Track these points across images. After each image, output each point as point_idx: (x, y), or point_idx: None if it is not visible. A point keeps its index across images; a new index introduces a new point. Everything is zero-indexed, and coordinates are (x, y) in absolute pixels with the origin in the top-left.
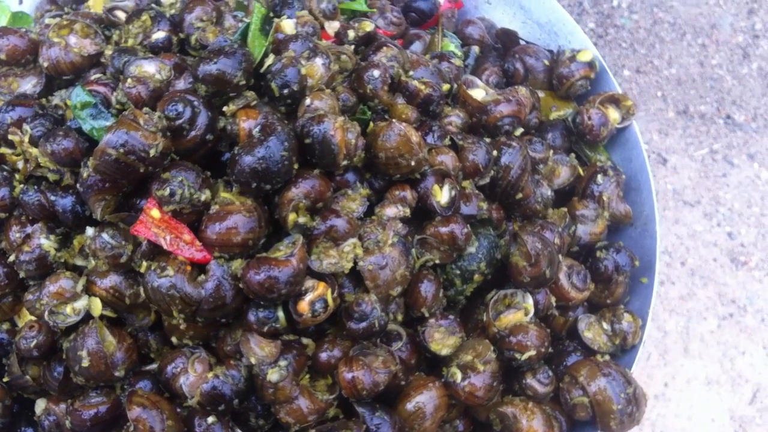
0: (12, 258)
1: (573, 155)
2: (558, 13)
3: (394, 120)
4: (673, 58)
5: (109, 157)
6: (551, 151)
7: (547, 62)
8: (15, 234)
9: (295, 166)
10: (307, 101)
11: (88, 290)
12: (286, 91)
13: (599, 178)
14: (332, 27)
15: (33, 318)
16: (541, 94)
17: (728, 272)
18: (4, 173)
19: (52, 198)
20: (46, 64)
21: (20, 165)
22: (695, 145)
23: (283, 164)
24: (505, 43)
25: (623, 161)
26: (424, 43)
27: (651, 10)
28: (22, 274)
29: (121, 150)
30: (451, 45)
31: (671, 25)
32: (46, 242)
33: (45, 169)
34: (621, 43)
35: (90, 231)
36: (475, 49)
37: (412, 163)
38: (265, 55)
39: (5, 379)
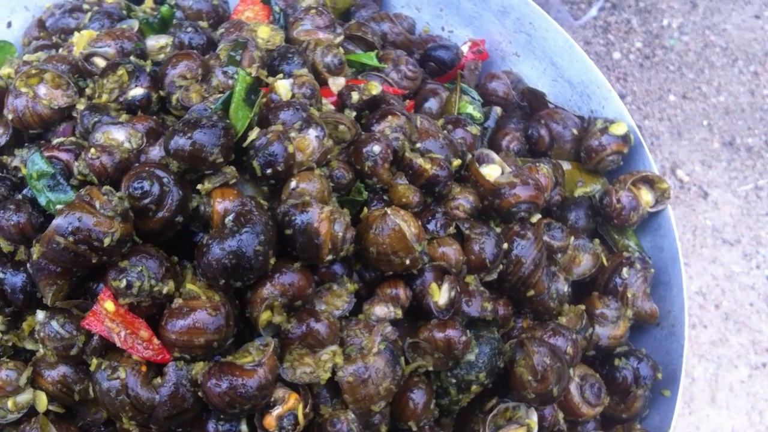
0: None
1: (597, 241)
2: (593, 74)
3: (389, 211)
4: (722, 85)
5: (57, 246)
6: (572, 238)
7: (575, 131)
8: None
9: (272, 261)
10: (293, 183)
11: (34, 382)
12: (269, 170)
13: (625, 271)
14: (337, 84)
15: None
16: (566, 165)
17: (765, 319)
18: None
19: (1, 275)
20: (11, 116)
21: None
22: (739, 179)
23: (257, 260)
24: (531, 103)
25: (653, 249)
26: (440, 101)
27: (702, 32)
28: None
29: (71, 239)
30: (470, 107)
31: (723, 50)
32: None
33: None
34: (668, 65)
35: (40, 316)
36: (497, 110)
37: (407, 262)
38: (249, 128)
39: None
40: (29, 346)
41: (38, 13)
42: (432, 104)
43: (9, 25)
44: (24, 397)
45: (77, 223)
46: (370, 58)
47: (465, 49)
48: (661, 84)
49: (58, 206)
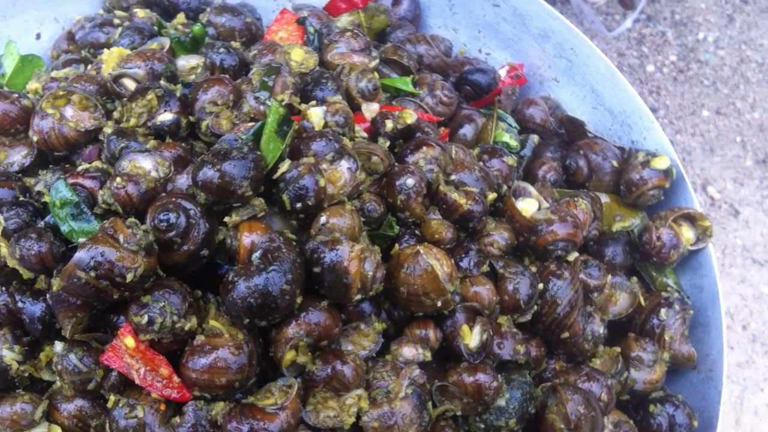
0: None
1: (635, 279)
2: (635, 103)
3: (421, 250)
4: (757, 102)
5: (78, 281)
6: (609, 276)
7: (615, 163)
8: None
9: (298, 300)
10: (323, 218)
11: (50, 415)
12: (299, 204)
13: (663, 312)
14: (370, 110)
15: None
16: (604, 198)
17: None
18: None
19: (20, 304)
20: (36, 138)
21: None
22: None
23: (283, 299)
24: (569, 131)
25: (692, 289)
26: (476, 128)
27: (739, 46)
28: None
29: (92, 274)
30: (506, 135)
31: (759, 66)
32: (8, 354)
33: None
34: (703, 80)
35: (58, 347)
36: (534, 139)
37: (438, 304)
38: (280, 160)
39: None
40: (46, 376)
41: (68, 25)
42: (467, 131)
43: (38, 36)
44: (38, 431)
45: (99, 258)
46: (406, 84)
47: (503, 73)
48: (694, 98)
49: (81, 239)
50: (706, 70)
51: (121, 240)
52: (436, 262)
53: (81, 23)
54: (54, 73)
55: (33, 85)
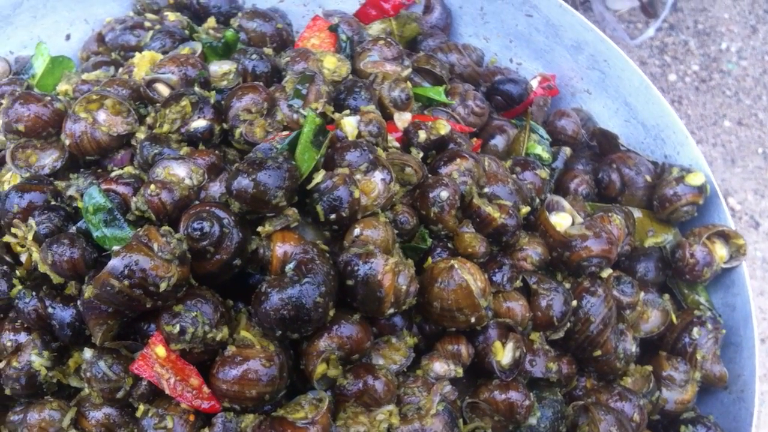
0: (0, 365)
1: (667, 296)
2: (669, 117)
3: (455, 263)
4: None
5: (112, 289)
6: (642, 294)
7: (649, 178)
8: (6, 340)
9: (331, 313)
10: (357, 230)
11: (77, 423)
12: (333, 216)
13: (695, 331)
14: (403, 119)
15: None
16: (636, 213)
17: None
18: (4, 267)
19: (50, 310)
20: (68, 141)
21: (24, 258)
22: None
23: (316, 312)
24: (601, 144)
25: (725, 308)
26: (507, 139)
27: (762, 57)
28: (7, 391)
29: (126, 282)
30: (539, 146)
31: None
32: (37, 360)
33: None
34: (725, 90)
35: (88, 354)
36: (566, 151)
37: (472, 320)
38: (315, 170)
39: None
40: (74, 383)
41: (98, 26)
42: (498, 141)
43: (68, 37)
44: None
45: (133, 266)
46: (438, 94)
47: (534, 83)
48: (716, 109)
49: (115, 247)
50: (729, 80)
51: (155, 248)
52: (470, 276)
53: (111, 25)
54: (85, 76)
55: (63, 86)
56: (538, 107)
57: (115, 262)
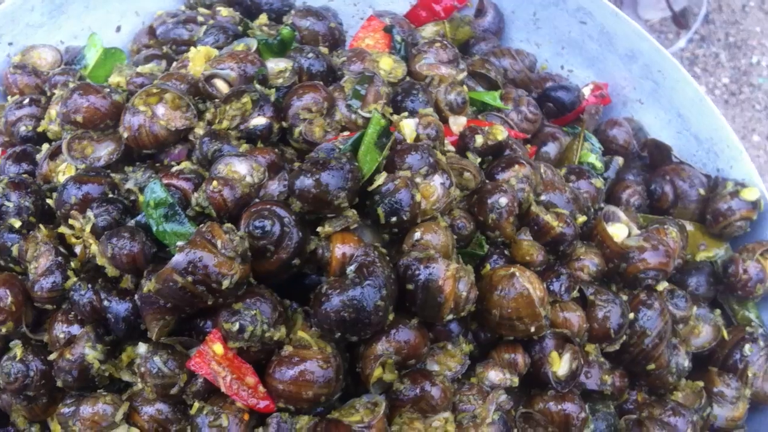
0: (52, 357)
1: (718, 311)
2: (724, 131)
3: (516, 271)
4: None
5: (175, 284)
6: (695, 308)
7: (702, 191)
8: (59, 332)
9: (390, 317)
10: (417, 234)
11: (129, 418)
12: (394, 218)
13: (747, 348)
14: (458, 123)
15: None
16: (688, 226)
17: None
18: (59, 259)
19: (106, 303)
20: (126, 134)
21: (79, 249)
22: None
23: (377, 315)
24: (653, 155)
25: None
26: (560, 147)
27: None
28: (59, 383)
29: (189, 278)
30: (592, 155)
31: None
32: (90, 353)
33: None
34: (755, 104)
35: (142, 349)
36: (619, 161)
37: (531, 329)
38: (377, 172)
39: None
40: (126, 377)
41: (148, 19)
42: (550, 149)
43: (118, 29)
44: None
45: (197, 263)
46: (494, 98)
47: (586, 91)
48: (745, 123)
49: (179, 242)
50: (759, 94)
51: (219, 245)
52: (530, 285)
53: (162, 18)
54: (140, 69)
55: (115, 79)
56: (590, 116)
57: (179, 258)
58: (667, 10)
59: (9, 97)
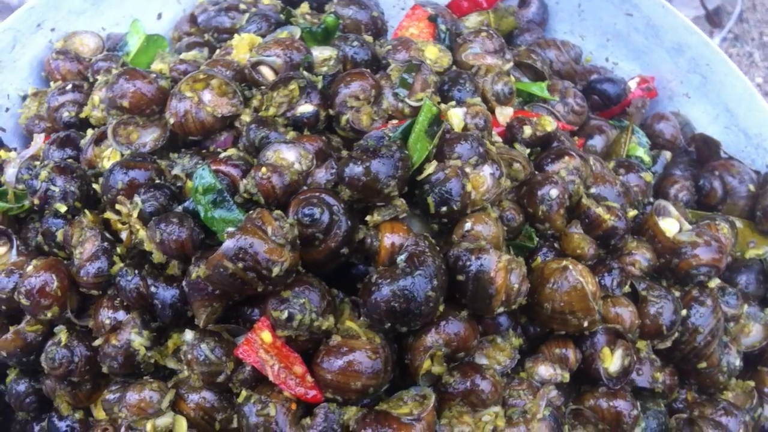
0: (97, 343)
1: None
2: None
3: (569, 264)
4: None
5: (225, 271)
6: (746, 306)
7: (752, 187)
8: (105, 317)
9: (441, 308)
10: (467, 224)
11: (176, 405)
12: (444, 208)
13: None
14: (504, 114)
15: (107, 419)
16: (738, 223)
17: None
18: (105, 244)
19: (153, 289)
20: (172, 120)
21: (124, 235)
22: None
23: (427, 306)
24: (700, 150)
25: None
26: (606, 140)
27: None
28: (104, 369)
29: (240, 265)
30: (640, 149)
31: None
32: (137, 339)
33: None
34: None
35: (189, 336)
36: (667, 155)
37: (585, 324)
38: (427, 161)
39: None
40: (171, 364)
41: (189, 7)
42: (597, 142)
43: (159, 16)
44: (164, 421)
45: (248, 249)
46: (541, 89)
47: (633, 84)
48: None
49: (229, 228)
50: None
51: (269, 232)
52: (583, 279)
53: (204, 6)
54: (183, 55)
55: (158, 65)
56: (636, 109)
57: (229, 244)
58: (700, 9)
59: (52, 83)
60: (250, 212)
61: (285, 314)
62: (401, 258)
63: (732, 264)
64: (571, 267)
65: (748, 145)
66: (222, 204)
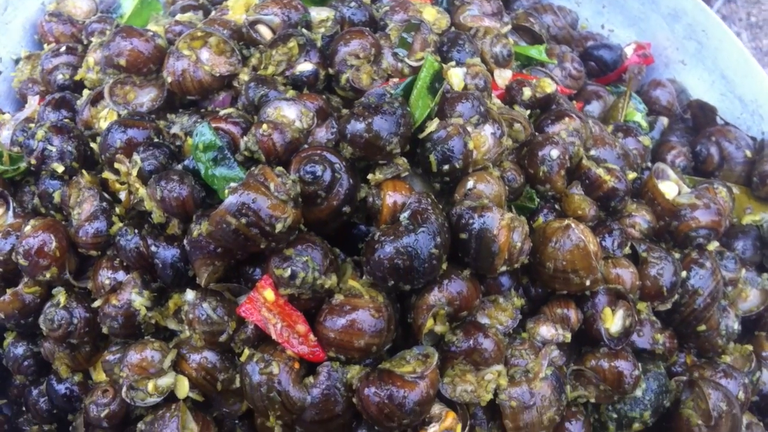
0: (97, 304)
1: (766, 275)
2: None
3: (571, 223)
4: None
5: (228, 227)
6: (743, 271)
7: (749, 153)
8: (104, 278)
9: (444, 266)
10: (470, 183)
11: (177, 365)
12: (446, 167)
13: None
14: (503, 76)
15: (107, 380)
16: (734, 189)
17: None
18: (104, 204)
19: (153, 248)
20: (170, 79)
21: (123, 195)
22: None
23: (431, 263)
24: (696, 117)
25: None
26: (603, 105)
27: None
28: (105, 330)
29: (243, 221)
30: (637, 114)
31: None
32: (137, 299)
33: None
34: None
35: (190, 296)
36: (664, 121)
37: (587, 283)
38: (429, 119)
39: None
40: (172, 325)
41: None
42: (594, 108)
43: None
44: (165, 381)
45: (251, 205)
46: (539, 52)
47: (629, 51)
48: None
49: (232, 184)
50: None
51: (272, 188)
52: (585, 237)
53: None
54: (179, 17)
55: (153, 28)
56: (633, 76)
57: (232, 200)
58: None
59: (45, 46)
60: (252, 168)
61: (288, 272)
62: (404, 216)
63: (729, 230)
64: (573, 226)
65: (744, 111)
66: (223, 162)
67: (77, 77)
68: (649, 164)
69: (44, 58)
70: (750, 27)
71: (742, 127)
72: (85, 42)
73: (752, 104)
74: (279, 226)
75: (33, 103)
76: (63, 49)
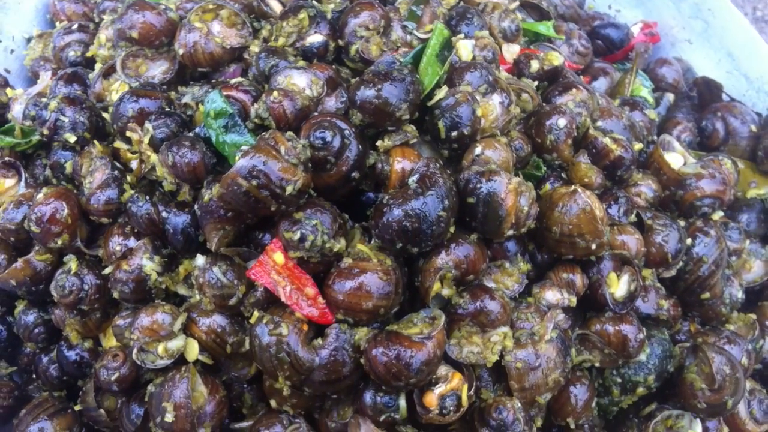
0: (108, 270)
1: None
2: None
3: (578, 188)
4: None
5: (239, 189)
6: (747, 241)
7: (754, 128)
8: (115, 244)
9: (451, 230)
10: (477, 149)
11: (187, 329)
12: (454, 133)
13: None
14: (511, 51)
15: (118, 345)
16: (739, 164)
17: None
18: (116, 172)
19: (164, 214)
20: (181, 51)
21: (134, 164)
22: None
23: (438, 226)
24: (702, 94)
25: None
26: (611, 81)
27: None
28: (115, 295)
29: (254, 183)
30: (644, 89)
31: None
32: (148, 264)
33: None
34: None
35: (200, 260)
36: (669, 97)
37: (593, 247)
38: (437, 86)
39: (77, 407)
40: (182, 291)
41: None
42: (601, 84)
43: None
44: (175, 344)
45: (262, 167)
46: (547, 28)
47: (636, 30)
48: None
49: (243, 147)
50: None
51: (282, 152)
52: (591, 202)
53: None
54: None
55: (164, 2)
56: (639, 54)
57: (243, 162)
58: None
59: (57, 24)
60: (263, 133)
61: (297, 235)
62: (413, 180)
63: (734, 203)
64: (580, 191)
65: (749, 88)
66: (234, 128)
67: (89, 54)
68: (655, 138)
69: (56, 36)
70: (756, 21)
71: (748, 104)
72: (97, 20)
73: (758, 81)
74: (289, 189)
75: (45, 78)
76: (75, 26)
